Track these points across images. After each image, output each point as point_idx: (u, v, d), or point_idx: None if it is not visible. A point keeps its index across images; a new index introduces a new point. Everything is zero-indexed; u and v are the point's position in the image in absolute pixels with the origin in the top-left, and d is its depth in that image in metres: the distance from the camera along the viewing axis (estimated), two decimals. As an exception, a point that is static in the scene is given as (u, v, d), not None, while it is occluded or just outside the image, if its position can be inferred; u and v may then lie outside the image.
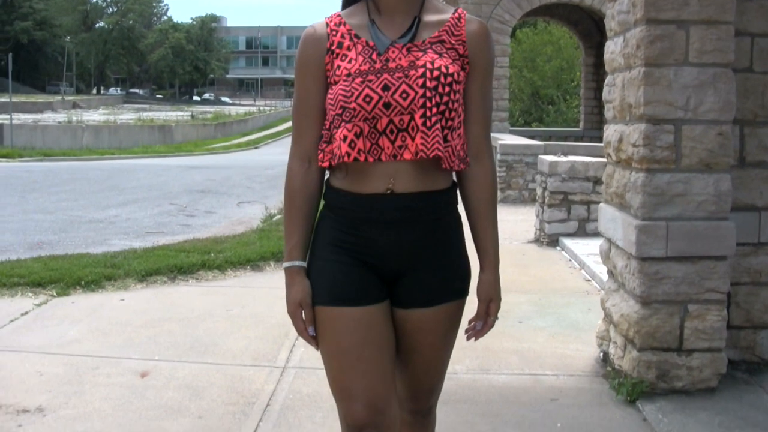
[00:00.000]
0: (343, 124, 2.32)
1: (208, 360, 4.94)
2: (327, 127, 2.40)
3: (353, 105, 2.30)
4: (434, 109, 2.31)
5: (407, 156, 2.33)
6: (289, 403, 4.31)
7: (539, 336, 5.51)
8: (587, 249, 7.93)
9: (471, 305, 2.58)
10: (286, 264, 2.46)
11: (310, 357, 3.10)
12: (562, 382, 4.73)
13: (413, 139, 2.32)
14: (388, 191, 2.35)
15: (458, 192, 2.52)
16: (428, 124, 2.31)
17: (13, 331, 5.51)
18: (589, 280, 7.37)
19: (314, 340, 2.45)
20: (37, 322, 5.72)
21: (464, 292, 2.53)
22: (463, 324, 2.59)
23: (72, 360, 4.89)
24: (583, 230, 9.10)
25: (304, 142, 2.45)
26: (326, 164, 2.40)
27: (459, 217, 2.51)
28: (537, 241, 9.39)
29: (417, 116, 2.31)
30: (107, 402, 4.27)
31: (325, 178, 2.50)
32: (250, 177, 19.37)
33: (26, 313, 5.90)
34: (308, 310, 2.42)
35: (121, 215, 12.43)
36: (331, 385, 2.42)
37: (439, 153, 2.32)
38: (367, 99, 2.30)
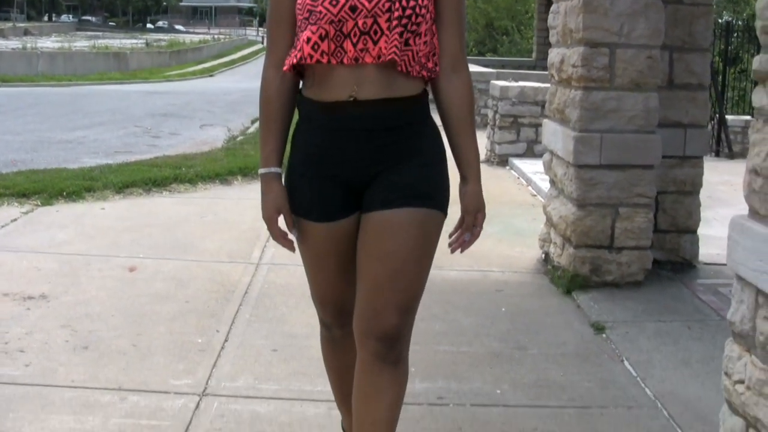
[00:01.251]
0: (308, 26, 2.29)
1: (189, 258, 5.44)
2: (297, 33, 2.37)
3: (319, 8, 2.27)
4: (398, 12, 2.26)
5: (368, 60, 2.29)
6: (264, 291, 4.86)
7: (487, 241, 6.06)
8: (535, 168, 8.49)
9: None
10: (262, 170, 2.46)
11: (282, 255, 3.51)
12: (507, 277, 5.32)
13: (375, 43, 2.28)
14: (351, 98, 2.32)
15: (436, 104, 2.49)
16: (391, 26, 2.27)
17: (6, 235, 5.94)
18: (535, 195, 7.97)
19: (291, 244, 2.47)
20: (27, 227, 6.16)
21: (433, 201, 2.40)
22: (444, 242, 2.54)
23: (65, 258, 5.37)
24: (532, 151, 9.67)
25: (277, 50, 2.42)
26: (288, 68, 2.37)
27: (435, 127, 2.47)
28: (488, 161, 9.95)
29: (381, 20, 2.27)
30: (102, 291, 4.77)
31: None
32: (210, 102, 19.65)
33: (15, 219, 6.32)
34: (287, 214, 2.44)
35: (88, 136, 12.76)
36: (309, 288, 2.59)
37: (396, 57, 2.29)
38: (333, 2, 2.26)
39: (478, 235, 2.49)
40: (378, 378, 2.36)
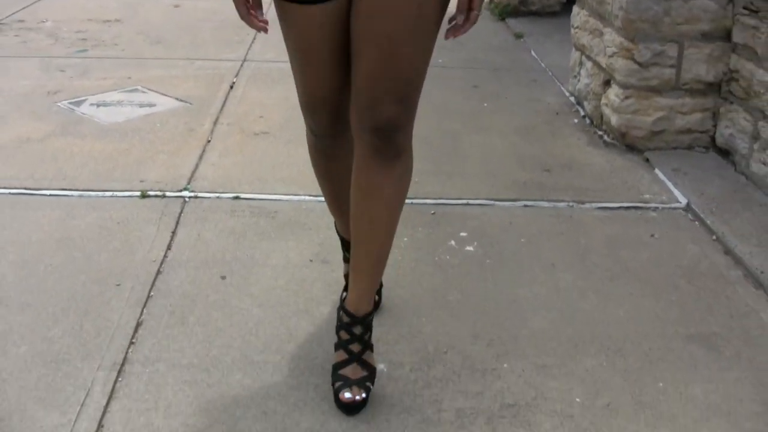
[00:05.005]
0: None
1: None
2: None
3: None
4: None
5: None
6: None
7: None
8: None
9: None
10: None
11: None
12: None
13: None
14: None
15: None
16: None
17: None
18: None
19: (265, 24, 1.96)
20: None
21: None
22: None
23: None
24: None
25: None
26: None
27: None
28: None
29: None
30: (160, 16, 6.38)
31: None
32: None
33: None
34: None
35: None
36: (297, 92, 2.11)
37: None
38: None
39: (474, 20, 1.93)
40: (375, 174, 1.98)
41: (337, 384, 2.10)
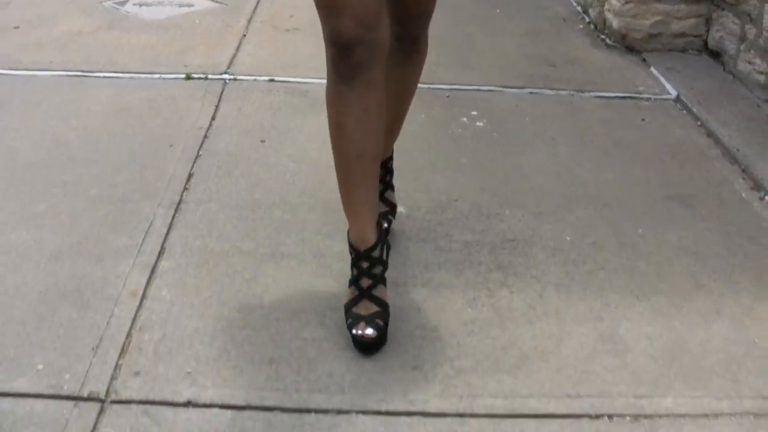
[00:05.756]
0: None
1: None
2: None
3: None
4: None
5: None
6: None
7: None
8: None
9: None
10: None
11: None
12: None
13: None
14: None
15: None
16: None
17: None
18: None
19: None
20: None
21: None
22: None
23: None
24: None
25: None
26: None
27: None
28: None
29: None
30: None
31: None
32: None
33: None
34: None
35: None
36: (317, 2, 1.84)
37: None
38: None
39: None
40: (397, 68, 2.09)
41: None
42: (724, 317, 2.24)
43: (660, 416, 1.92)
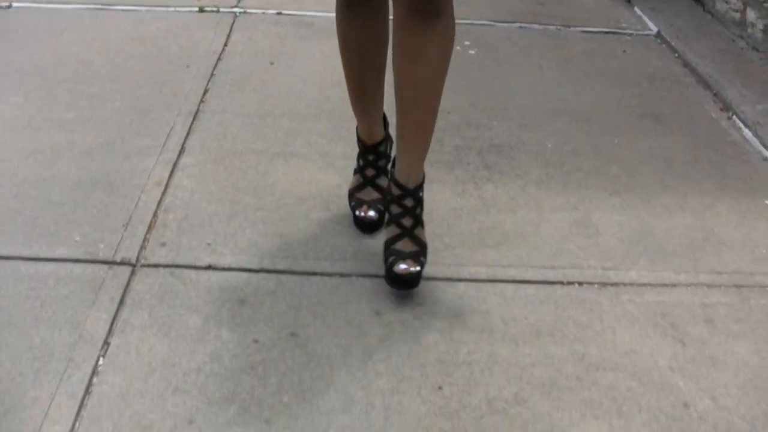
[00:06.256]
0: None
1: None
2: None
3: None
4: None
5: None
6: None
7: None
8: None
9: None
10: None
11: None
12: None
13: None
14: None
15: None
16: None
17: None
18: None
19: None
20: None
21: None
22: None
23: None
24: None
25: None
26: None
27: None
28: None
29: None
30: None
31: None
32: None
33: None
34: None
35: None
36: None
37: None
38: None
39: None
40: (416, 34, 1.84)
41: (391, 258, 1.97)
42: (687, 211, 2.48)
43: (624, 284, 2.16)
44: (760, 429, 1.76)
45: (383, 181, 2.21)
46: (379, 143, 2.23)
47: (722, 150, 2.84)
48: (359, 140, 2.25)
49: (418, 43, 1.84)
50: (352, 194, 2.27)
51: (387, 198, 2.06)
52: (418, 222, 2.03)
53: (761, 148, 2.85)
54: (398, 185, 2.01)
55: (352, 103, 2.20)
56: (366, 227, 2.22)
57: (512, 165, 2.64)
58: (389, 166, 2.18)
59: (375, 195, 2.24)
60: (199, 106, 2.89)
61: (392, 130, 2.14)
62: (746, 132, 2.96)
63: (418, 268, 1.97)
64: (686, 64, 3.50)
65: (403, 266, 1.96)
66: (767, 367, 1.92)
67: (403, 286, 1.98)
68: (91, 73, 3.10)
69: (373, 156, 2.24)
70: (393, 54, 1.89)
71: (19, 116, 2.76)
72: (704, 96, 3.24)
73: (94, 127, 2.72)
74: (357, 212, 2.24)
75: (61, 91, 2.95)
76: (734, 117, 3.07)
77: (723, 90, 3.24)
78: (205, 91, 3.00)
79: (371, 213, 2.21)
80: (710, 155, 2.79)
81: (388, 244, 2.01)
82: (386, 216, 2.09)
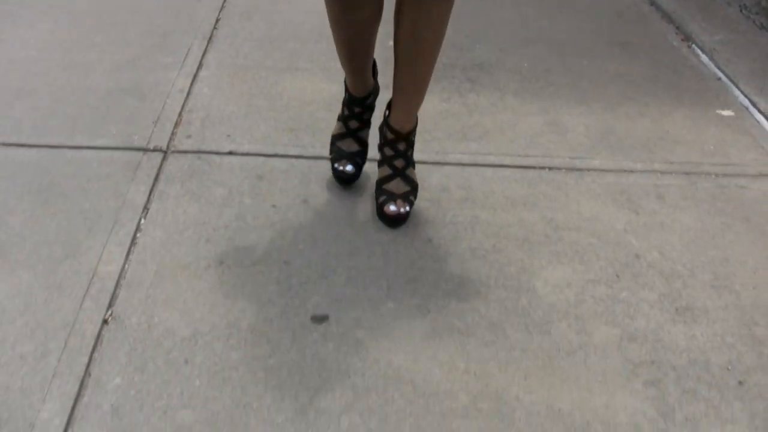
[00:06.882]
0: None
1: None
2: None
3: None
4: None
5: None
6: None
7: None
8: None
9: None
10: None
11: None
12: None
13: None
14: None
15: None
16: None
17: None
18: None
19: None
20: None
21: None
22: None
23: None
24: None
25: None
26: None
27: None
28: None
29: None
30: None
31: None
32: None
33: None
34: None
35: None
36: None
37: None
38: None
39: None
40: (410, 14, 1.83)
41: (382, 198, 2.08)
42: (647, 117, 2.81)
43: (588, 170, 2.48)
44: (698, 274, 2.09)
45: (365, 134, 2.24)
46: (367, 96, 2.18)
47: (681, 71, 3.15)
48: (347, 90, 2.19)
49: (418, 4, 1.81)
50: (333, 142, 2.25)
51: (379, 142, 2.14)
52: (410, 163, 2.11)
53: (716, 70, 3.17)
54: (393, 130, 2.08)
55: (342, 64, 2.10)
56: (344, 181, 2.21)
57: (492, 79, 2.95)
58: (385, 113, 2.16)
59: (355, 147, 2.23)
60: (212, 32, 3.19)
61: (380, 78, 2.36)
62: (703, 57, 3.28)
63: (407, 209, 2.08)
64: (652, 2, 3.82)
65: (392, 208, 2.08)
66: (707, 231, 2.24)
67: (393, 225, 2.08)
68: (113, 4, 3.39)
69: (359, 108, 2.19)
70: (395, 9, 1.86)
71: (51, 39, 3.06)
72: (667, 28, 3.55)
73: (121, 48, 3.01)
74: (335, 165, 2.22)
75: (88, 18, 3.24)
76: (693, 45, 3.38)
77: (684, 23, 3.56)
78: (217, 20, 3.30)
79: (349, 167, 2.21)
80: (670, 75, 3.11)
81: (380, 184, 2.11)
82: (363, 167, 2.21)
